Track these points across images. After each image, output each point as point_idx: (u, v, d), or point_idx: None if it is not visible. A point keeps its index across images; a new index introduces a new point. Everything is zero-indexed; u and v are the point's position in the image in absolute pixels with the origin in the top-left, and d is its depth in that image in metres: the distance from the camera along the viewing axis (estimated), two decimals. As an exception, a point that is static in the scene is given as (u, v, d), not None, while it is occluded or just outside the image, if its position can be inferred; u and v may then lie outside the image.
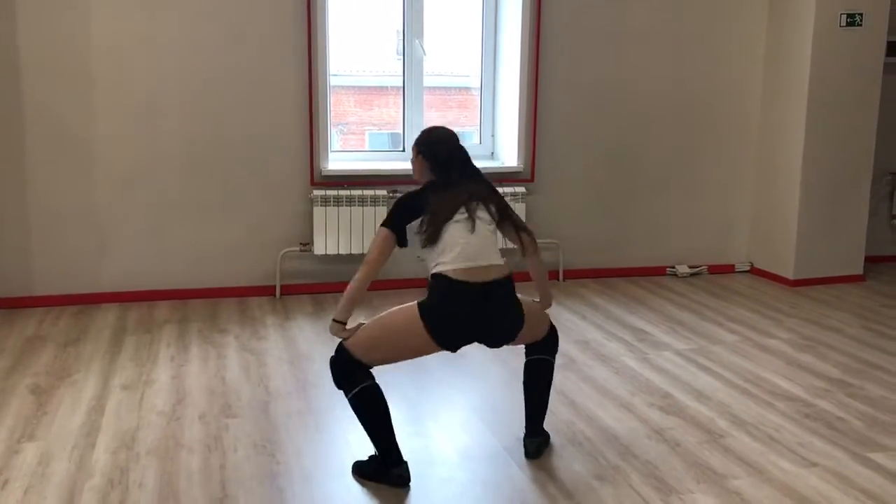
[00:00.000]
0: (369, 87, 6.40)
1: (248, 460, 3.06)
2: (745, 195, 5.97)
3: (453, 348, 2.89)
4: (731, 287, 5.64)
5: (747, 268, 6.02)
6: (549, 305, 3.24)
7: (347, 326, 2.90)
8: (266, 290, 5.19)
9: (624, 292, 5.45)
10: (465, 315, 2.81)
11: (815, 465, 3.09)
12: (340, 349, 2.89)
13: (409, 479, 2.90)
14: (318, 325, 4.65)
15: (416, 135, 3.10)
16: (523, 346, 3.15)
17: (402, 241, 2.91)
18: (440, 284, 2.81)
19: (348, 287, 2.88)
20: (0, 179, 4.73)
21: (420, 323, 2.79)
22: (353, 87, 6.23)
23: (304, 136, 5.11)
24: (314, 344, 4.35)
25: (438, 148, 2.99)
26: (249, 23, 4.94)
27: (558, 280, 5.66)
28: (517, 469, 3.04)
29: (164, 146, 4.93)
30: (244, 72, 4.97)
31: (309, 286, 5.26)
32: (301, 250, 5.19)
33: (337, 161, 5.36)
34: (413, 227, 2.91)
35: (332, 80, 5.30)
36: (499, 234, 3.00)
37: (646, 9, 5.57)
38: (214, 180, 5.03)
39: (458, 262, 2.80)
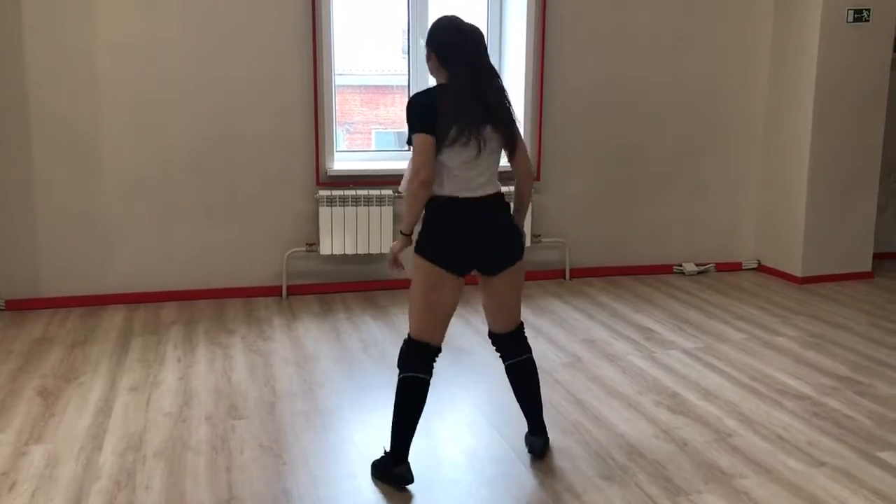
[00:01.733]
0: (375, 87, 6.41)
1: (254, 461, 3.06)
2: (752, 192, 5.95)
3: (463, 270, 2.85)
4: (738, 285, 5.62)
5: (755, 265, 5.99)
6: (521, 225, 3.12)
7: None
8: (272, 291, 5.19)
9: (631, 291, 5.44)
10: (463, 228, 2.82)
11: (823, 464, 3.07)
12: (409, 334, 2.92)
13: (410, 480, 2.89)
14: (324, 326, 4.65)
15: None
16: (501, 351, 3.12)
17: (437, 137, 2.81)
18: (433, 206, 2.82)
19: (408, 205, 2.81)
20: (7, 181, 4.74)
21: (427, 265, 2.81)
22: (359, 86, 6.23)
23: (309, 135, 5.11)
24: (320, 344, 4.35)
25: (442, 36, 2.87)
26: (254, 23, 4.93)
27: (564, 279, 5.65)
28: (524, 469, 3.04)
29: (170, 147, 4.93)
30: (249, 72, 4.97)
31: (315, 286, 5.26)
32: (307, 251, 5.19)
33: (342, 161, 5.36)
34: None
35: (338, 80, 5.30)
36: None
37: (651, 7, 5.54)
38: (220, 181, 5.03)
39: (454, 192, 2.81)
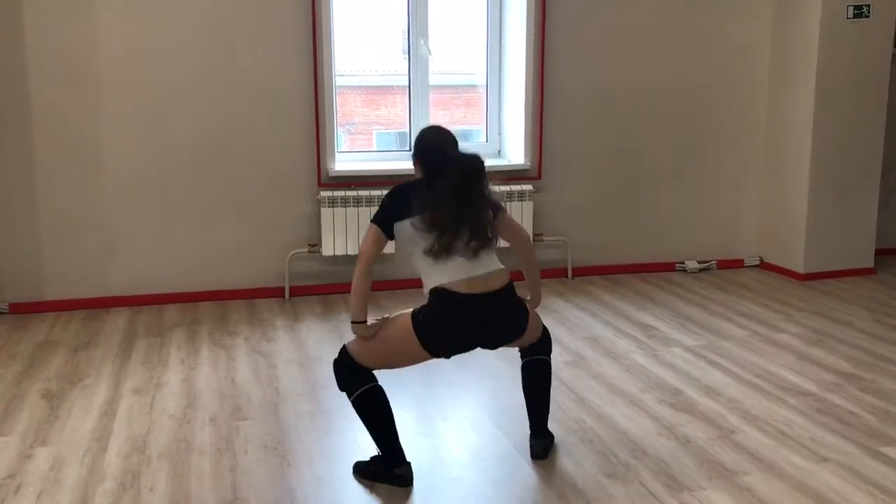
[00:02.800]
0: (376, 87, 6.40)
1: (258, 462, 3.07)
2: (754, 189, 5.95)
3: (448, 356, 2.87)
4: (740, 282, 5.62)
5: (757, 262, 5.99)
6: (538, 304, 3.14)
7: (368, 322, 2.85)
8: (275, 292, 5.20)
9: (633, 288, 5.44)
10: (465, 328, 2.80)
11: (826, 459, 3.08)
12: (343, 353, 2.90)
13: (411, 480, 2.89)
14: (327, 326, 4.66)
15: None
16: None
17: (390, 236, 2.87)
18: (440, 300, 2.77)
19: (352, 286, 2.85)
20: (9, 185, 4.75)
21: (414, 335, 2.78)
22: (360, 86, 6.24)
23: (310, 136, 5.11)
24: (323, 345, 4.36)
25: (428, 157, 2.89)
26: (255, 25, 4.94)
27: (567, 277, 5.66)
28: (527, 468, 3.04)
29: (171, 149, 4.94)
30: (250, 73, 4.98)
31: (318, 287, 5.27)
32: (309, 251, 5.20)
33: (344, 162, 5.37)
34: (408, 226, 2.81)
35: (339, 81, 5.31)
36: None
37: (651, 4, 5.55)
38: (222, 182, 5.04)
39: (457, 276, 2.77)
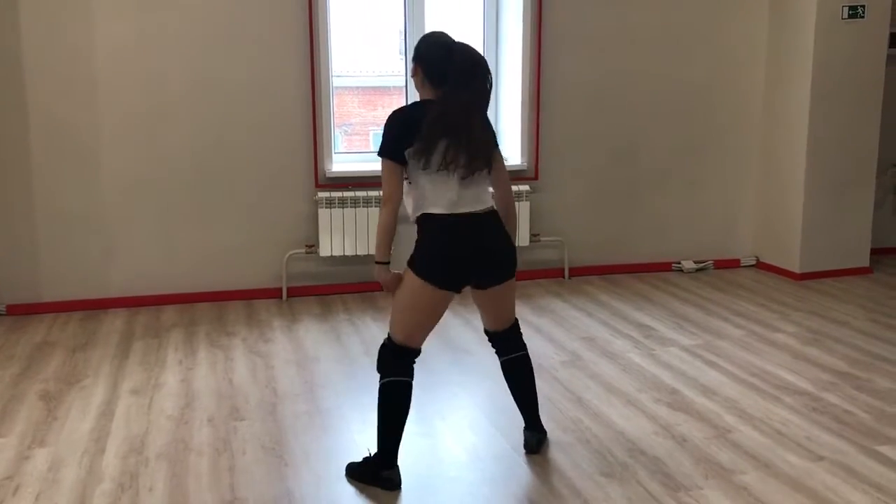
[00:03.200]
0: (373, 88, 6.41)
1: (256, 462, 3.07)
2: (750, 189, 5.97)
3: (455, 287, 2.85)
4: (736, 282, 5.64)
5: (753, 262, 6.01)
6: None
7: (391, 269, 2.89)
8: (273, 293, 5.21)
9: (629, 288, 5.45)
10: (457, 245, 2.81)
11: (822, 458, 3.09)
12: (388, 337, 2.91)
13: (399, 484, 2.89)
14: (324, 326, 4.67)
15: None
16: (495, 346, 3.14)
17: (403, 161, 2.82)
18: (427, 225, 2.83)
19: (378, 228, 2.83)
20: (7, 186, 4.75)
21: (418, 279, 2.80)
22: (357, 87, 6.25)
23: (307, 137, 5.12)
24: (321, 345, 4.37)
25: (431, 54, 2.84)
26: (251, 26, 4.95)
27: (564, 278, 5.67)
28: (525, 467, 3.05)
29: (169, 150, 4.95)
30: (247, 74, 4.98)
31: (315, 288, 5.27)
32: (307, 252, 5.21)
33: (341, 162, 5.37)
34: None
35: (336, 81, 5.31)
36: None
37: (646, 5, 5.56)
38: (219, 183, 5.05)
39: (444, 210, 2.81)
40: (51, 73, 4.71)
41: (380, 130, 2.93)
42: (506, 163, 3.07)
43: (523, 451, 3.15)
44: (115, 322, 4.73)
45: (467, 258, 2.83)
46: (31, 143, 4.74)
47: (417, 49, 2.91)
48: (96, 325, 4.68)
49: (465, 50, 2.85)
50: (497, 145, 2.98)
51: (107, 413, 3.51)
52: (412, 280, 2.83)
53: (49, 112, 4.74)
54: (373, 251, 5.28)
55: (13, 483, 2.92)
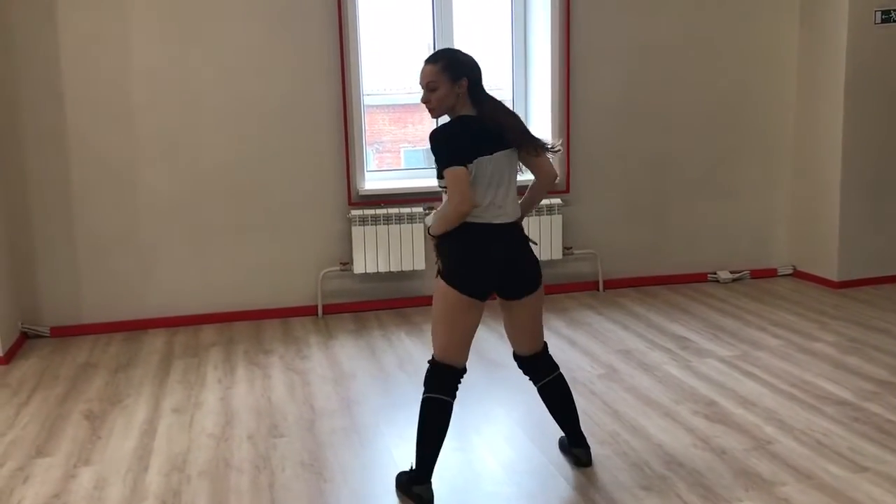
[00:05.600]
0: (403, 105, 6.47)
1: (296, 479, 3.11)
2: (785, 197, 5.91)
3: (481, 294, 2.86)
4: (773, 291, 5.57)
5: (790, 271, 5.94)
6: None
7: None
8: (308, 311, 5.26)
9: (665, 300, 5.42)
10: (485, 253, 2.85)
11: (866, 469, 3.05)
12: (433, 357, 2.95)
13: (430, 501, 2.89)
14: (360, 343, 4.70)
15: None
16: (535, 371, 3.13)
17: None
18: (455, 232, 2.84)
19: (447, 213, 2.81)
20: (48, 213, 4.87)
21: (449, 289, 2.83)
22: (387, 105, 6.31)
23: (340, 156, 5.18)
24: (357, 362, 4.40)
25: (478, 72, 2.90)
26: (283, 48, 5.03)
27: (598, 290, 5.65)
28: (563, 481, 3.05)
29: (203, 172, 5.04)
30: (280, 95, 5.07)
31: (350, 305, 5.32)
32: (341, 270, 5.26)
33: (373, 180, 5.43)
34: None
35: (366, 100, 5.38)
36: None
37: (676, 14, 5.55)
38: (254, 203, 5.12)
39: (477, 219, 2.84)
40: (87, 101, 4.82)
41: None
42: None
43: (561, 464, 3.14)
44: (155, 342, 4.82)
45: (494, 267, 2.87)
46: (70, 171, 4.86)
47: (463, 62, 2.91)
48: (137, 345, 4.77)
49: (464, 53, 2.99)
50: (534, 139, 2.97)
51: (149, 431, 3.57)
52: (443, 289, 2.87)
53: (86, 139, 4.86)
54: (406, 267, 5.34)
55: (60, 501, 2.98)
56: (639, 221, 5.72)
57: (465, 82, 2.86)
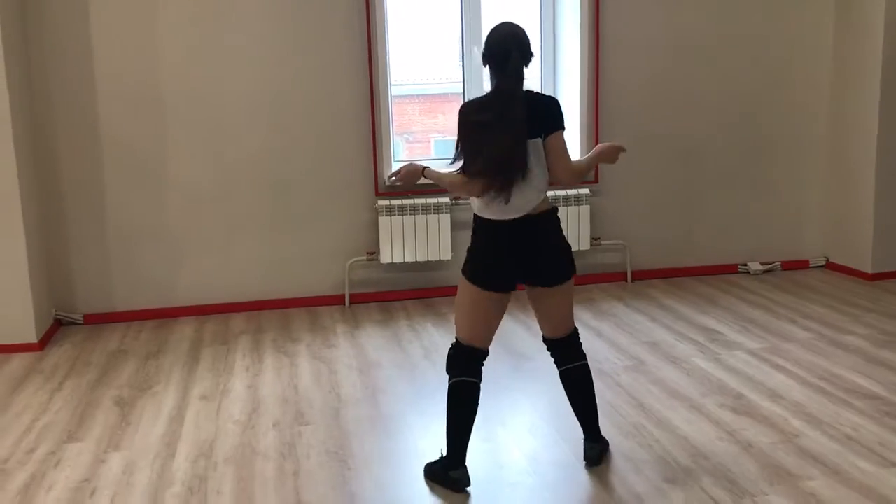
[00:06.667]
0: (433, 95, 6.47)
1: (321, 467, 3.13)
2: (818, 188, 5.81)
3: (500, 289, 2.87)
4: (805, 283, 5.50)
5: (823, 263, 5.85)
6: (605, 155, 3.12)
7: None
8: (335, 300, 5.29)
9: (694, 292, 5.37)
10: (499, 251, 2.84)
11: (895, 464, 3.00)
12: (455, 338, 2.96)
13: (466, 484, 2.91)
14: (386, 333, 4.72)
15: None
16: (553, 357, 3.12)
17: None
18: (476, 227, 2.89)
19: (455, 180, 2.86)
20: (82, 204, 4.94)
21: (469, 284, 2.86)
22: (418, 95, 6.30)
23: (367, 146, 5.20)
24: (383, 351, 4.42)
25: (493, 48, 2.86)
26: (311, 39, 5.05)
27: (626, 281, 5.61)
28: (586, 474, 3.04)
29: (232, 162, 5.08)
30: (308, 86, 5.09)
31: (377, 294, 5.34)
32: (368, 259, 5.28)
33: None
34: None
35: (397, 90, 5.38)
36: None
37: (709, 5, 5.48)
38: (282, 193, 5.16)
39: (493, 216, 2.83)
40: (119, 94, 4.88)
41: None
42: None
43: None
44: (185, 330, 4.88)
45: (511, 262, 2.85)
46: (102, 162, 4.93)
47: (486, 44, 2.94)
48: (167, 333, 4.83)
49: (497, 29, 2.92)
50: (544, 130, 2.87)
51: (177, 418, 3.62)
52: (464, 283, 2.89)
53: (118, 132, 4.92)
54: (433, 258, 5.34)
55: (90, 486, 3.04)
56: (668, 212, 5.66)
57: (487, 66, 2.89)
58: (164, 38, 4.90)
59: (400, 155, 5.65)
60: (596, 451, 3.08)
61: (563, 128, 2.90)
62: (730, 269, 5.78)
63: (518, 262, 2.87)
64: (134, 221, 5.02)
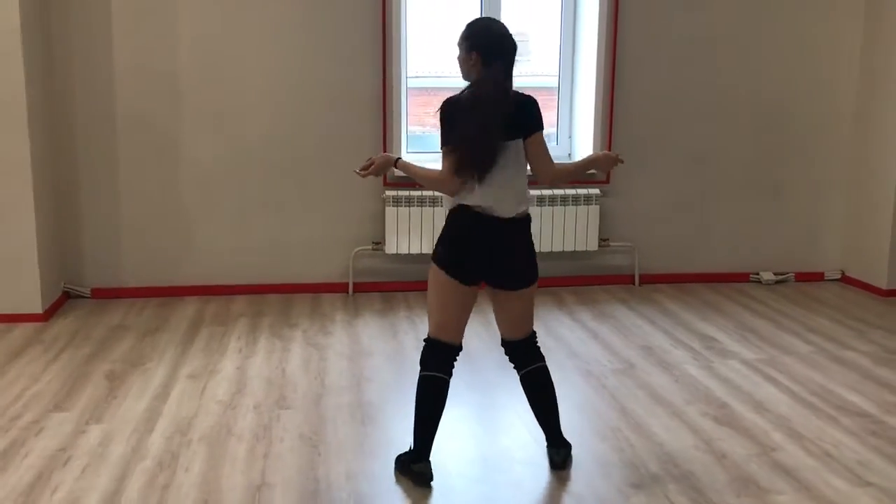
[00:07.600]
0: (450, 88, 6.45)
1: (291, 451, 3.16)
2: (837, 199, 5.68)
3: (467, 280, 2.87)
4: (816, 296, 5.38)
5: (838, 276, 5.72)
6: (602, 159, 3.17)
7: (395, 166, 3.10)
8: (339, 287, 5.32)
9: (701, 298, 5.29)
10: (475, 242, 2.84)
11: (870, 484, 2.93)
12: (428, 335, 2.98)
13: (430, 478, 2.91)
14: (384, 323, 4.74)
15: None
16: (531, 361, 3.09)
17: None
18: (454, 216, 2.88)
19: (430, 175, 2.94)
20: (95, 178, 5.04)
21: (439, 271, 2.87)
22: (433, 88, 6.29)
23: (377, 136, 5.21)
24: (377, 341, 4.44)
25: (493, 39, 2.88)
26: (327, 27, 5.08)
27: (633, 284, 5.55)
28: (552, 474, 3.02)
29: (245, 146, 5.13)
30: (323, 74, 5.12)
31: (380, 284, 5.36)
32: (373, 249, 5.30)
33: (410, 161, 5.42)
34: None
35: (416, 83, 5.37)
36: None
37: (726, 7, 5.38)
38: (292, 180, 5.20)
39: (476, 205, 2.83)
40: (137, 73, 4.96)
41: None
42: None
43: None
44: (187, 309, 4.95)
45: (482, 257, 2.85)
46: (117, 139, 5.01)
47: (469, 31, 2.96)
48: (170, 311, 4.91)
49: (492, 22, 2.99)
50: (524, 132, 2.87)
51: (162, 395, 3.68)
52: (434, 270, 2.91)
53: (134, 108, 5.00)
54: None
55: (65, 455, 3.11)
56: (681, 216, 5.58)
57: (474, 53, 2.87)
58: (185, 17, 4.96)
59: (410, 146, 5.64)
60: (561, 456, 3.05)
61: (541, 128, 2.91)
62: (741, 278, 5.68)
63: (490, 262, 2.87)
64: (146, 198, 5.10)
